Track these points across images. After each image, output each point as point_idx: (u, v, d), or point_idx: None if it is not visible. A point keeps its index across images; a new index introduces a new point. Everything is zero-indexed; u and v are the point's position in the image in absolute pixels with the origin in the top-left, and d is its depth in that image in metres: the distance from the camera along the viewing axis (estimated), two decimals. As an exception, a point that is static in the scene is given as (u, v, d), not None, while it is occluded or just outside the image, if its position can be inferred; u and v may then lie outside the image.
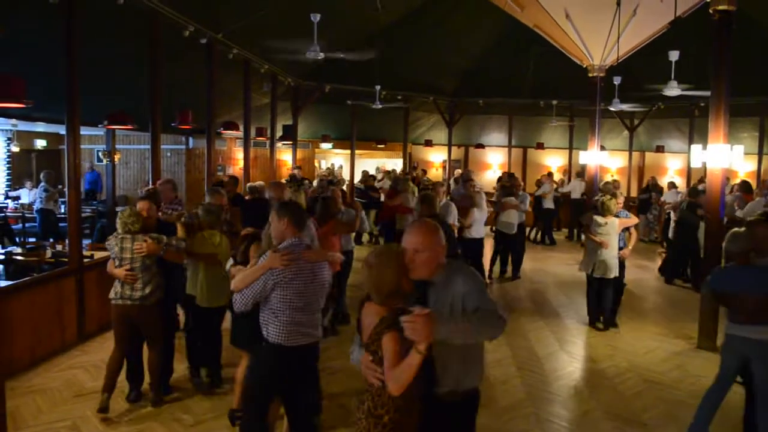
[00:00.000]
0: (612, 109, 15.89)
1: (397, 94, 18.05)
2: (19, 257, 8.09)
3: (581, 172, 18.18)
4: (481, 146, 21.57)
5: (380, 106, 16.33)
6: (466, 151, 22.53)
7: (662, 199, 14.86)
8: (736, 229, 5.33)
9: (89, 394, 5.67)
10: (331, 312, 7.64)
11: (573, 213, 17.02)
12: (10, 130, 16.04)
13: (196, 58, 10.53)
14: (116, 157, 16.02)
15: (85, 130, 9.16)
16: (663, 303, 10.20)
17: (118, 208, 13.35)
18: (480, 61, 17.32)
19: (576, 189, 16.97)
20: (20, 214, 13.36)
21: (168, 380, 5.95)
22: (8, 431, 4.68)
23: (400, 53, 15.43)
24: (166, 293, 5.67)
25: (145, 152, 16.49)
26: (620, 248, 8.39)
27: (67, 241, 7.69)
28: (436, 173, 22.36)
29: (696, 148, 8.55)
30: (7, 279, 6.91)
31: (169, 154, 16.89)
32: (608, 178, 17.85)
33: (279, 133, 15.75)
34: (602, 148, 14.73)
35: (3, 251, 7.87)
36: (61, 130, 8.41)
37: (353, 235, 8.82)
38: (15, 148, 16.67)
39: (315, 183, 12.33)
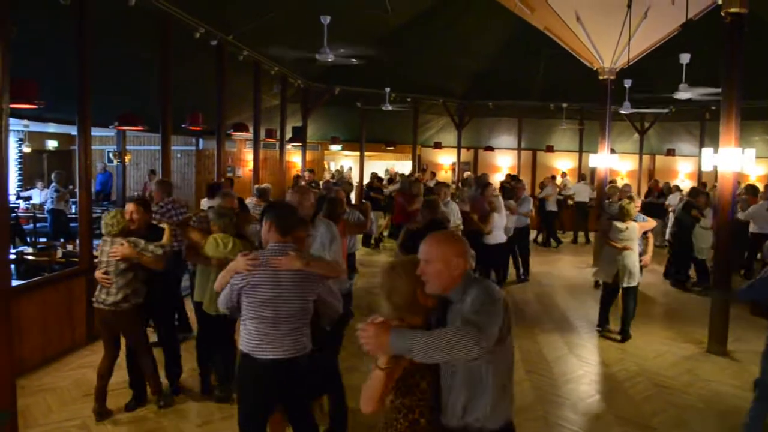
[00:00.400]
0: (622, 111, 15.84)
1: (406, 97, 18.08)
2: (30, 257, 8.14)
3: (585, 175, 18.13)
4: (491, 149, 21.55)
5: (390, 109, 16.36)
6: (475, 153, 22.51)
7: (666, 202, 14.83)
8: None
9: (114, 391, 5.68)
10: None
11: (578, 216, 16.94)
12: (22, 131, 16.14)
13: (207, 60, 10.58)
14: (127, 158, 16.12)
15: (96, 131, 9.19)
16: (672, 307, 10.14)
17: (167, 205, 13.46)
18: (490, 64, 17.30)
19: (581, 192, 16.90)
20: (31, 214, 13.44)
21: (177, 381, 5.95)
22: (19, 429, 4.72)
23: (410, 55, 15.43)
24: (168, 297, 5.64)
25: (155, 153, 16.56)
26: (639, 254, 8.12)
27: (77, 242, 7.73)
28: (445, 175, 22.34)
29: (707, 151, 8.50)
30: (18, 279, 6.95)
31: (179, 155, 16.96)
32: (619, 181, 17.85)
33: (288, 134, 15.79)
34: (612, 151, 14.68)
35: (14, 251, 7.91)
36: (73, 130, 8.45)
37: (360, 236, 8.81)
38: (27, 149, 16.79)
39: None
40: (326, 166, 21.17)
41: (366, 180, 18.44)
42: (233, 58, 11.17)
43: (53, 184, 12.78)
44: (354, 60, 12.08)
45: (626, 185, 12.70)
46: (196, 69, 11.13)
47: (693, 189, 11.96)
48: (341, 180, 15.38)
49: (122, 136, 15.14)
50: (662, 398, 6.19)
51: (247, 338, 3.77)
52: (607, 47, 12.16)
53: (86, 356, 6.89)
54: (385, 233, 15.44)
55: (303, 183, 13.32)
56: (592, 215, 15.66)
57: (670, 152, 20.72)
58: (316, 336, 4.08)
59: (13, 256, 8.59)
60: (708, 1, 9.86)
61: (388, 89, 16.21)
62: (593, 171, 16.35)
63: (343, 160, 23.07)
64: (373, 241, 14.76)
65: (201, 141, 17.18)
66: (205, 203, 8.47)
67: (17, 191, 15.87)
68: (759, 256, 10.87)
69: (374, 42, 13.61)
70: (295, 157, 18.41)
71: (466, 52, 16.55)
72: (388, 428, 2.68)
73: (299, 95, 16.30)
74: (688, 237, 10.94)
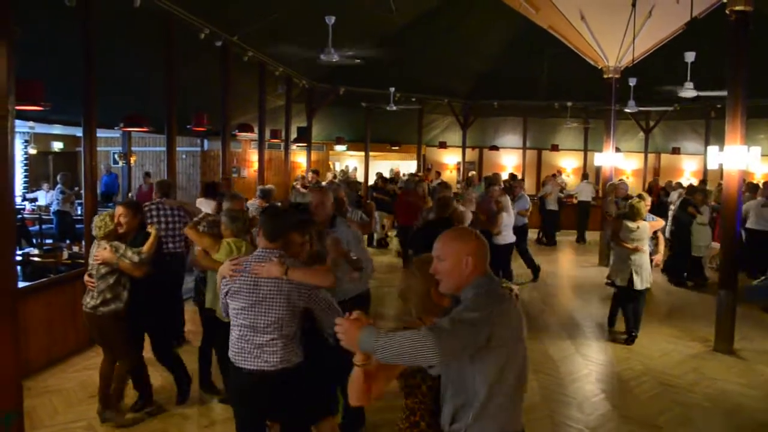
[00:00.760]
0: (627, 110, 15.80)
1: (411, 96, 18.08)
2: (36, 258, 8.16)
3: (588, 174, 18.09)
4: (496, 148, 21.53)
5: (394, 108, 16.36)
6: (480, 153, 22.49)
7: (669, 199, 14.83)
8: None
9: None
10: None
11: (580, 215, 16.88)
12: (28, 133, 16.20)
13: (211, 61, 10.60)
14: (132, 159, 16.15)
15: (101, 133, 9.25)
16: (677, 305, 10.11)
17: (152, 207, 13.48)
18: (494, 63, 17.28)
19: (584, 191, 16.84)
20: (37, 215, 13.48)
21: (187, 389, 5.80)
22: (25, 431, 4.73)
23: (414, 55, 15.42)
24: (162, 307, 5.47)
25: (160, 154, 16.61)
26: (649, 254, 7.96)
27: (83, 243, 7.75)
28: (450, 175, 22.33)
29: (713, 149, 8.47)
30: (24, 280, 6.95)
31: (184, 156, 17.00)
32: (625, 180, 17.77)
33: (293, 135, 15.81)
34: (617, 150, 14.65)
35: (20, 252, 7.93)
36: (78, 132, 8.48)
37: (365, 237, 8.77)
38: (32, 151, 16.85)
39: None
40: (331, 166, 21.16)
41: (371, 179, 18.44)
42: (238, 59, 11.19)
43: (59, 186, 12.82)
44: (358, 60, 12.08)
45: (621, 182, 12.60)
46: (201, 70, 11.15)
47: (690, 186, 12.00)
48: (346, 180, 15.38)
49: (127, 137, 15.18)
50: (668, 397, 6.17)
51: (231, 345, 3.71)
52: (612, 46, 12.15)
53: (92, 358, 6.90)
54: (391, 234, 15.43)
55: (299, 185, 13.39)
56: (594, 214, 15.65)
57: (676, 151, 20.67)
58: (315, 351, 3.82)
59: (19, 258, 8.63)
60: (713, -1, 9.85)
61: (392, 89, 16.20)
62: (598, 170, 16.30)
63: (348, 160, 23.06)
64: (375, 243, 14.76)
65: (206, 142, 17.22)
66: (200, 203, 8.36)
67: (23, 193, 15.92)
68: None
69: (379, 42, 13.61)
70: (300, 158, 18.43)
71: (470, 51, 16.53)
72: (396, 427, 2.70)
73: (304, 95, 16.31)
74: (687, 235, 10.95)
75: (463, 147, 21.16)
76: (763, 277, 9.69)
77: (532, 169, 21.71)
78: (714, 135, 18.02)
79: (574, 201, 17.53)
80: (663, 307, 9.97)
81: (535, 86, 18.33)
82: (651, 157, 21.52)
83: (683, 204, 11.28)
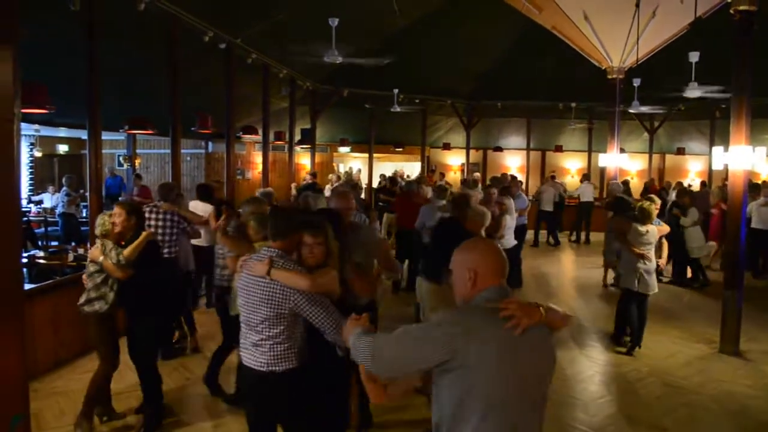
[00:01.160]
0: (632, 111, 15.81)
1: (414, 98, 18.10)
2: (41, 261, 8.18)
3: (589, 175, 18.04)
4: (500, 149, 21.52)
5: (398, 110, 16.38)
6: (484, 154, 22.48)
7: (668, 200, 14.82)
8: None
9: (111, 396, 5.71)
10: None
11: (580, 216, 16.83)
12: (33, 135, 16.25)
13: (216, 63, 10.62)
14: (137, 162, 16.19)
15: (106, 135, 9.23)
16: (683, 306, 10.09)
17: (146, 210, 13.48)
18: (498, 64, 17.27)
19: (585, 192, 16.80)
20: (43, 218, 13.52)
21: (155, 414, 5.37)
22: (31, 432, 4.75)
23: (418, 56, 15.44)
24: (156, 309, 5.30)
25: (165, 156, 16.63)
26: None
27: (88, 245, 7.76)
28: (454, 176, 22.31)
29: (717, 149, 8.45)
30: (30, 282, 6.96)
31: (188, 158, 17.04)
32: (629, 179, 17.73)
33: (297, 137, 15.83)
34: (622, 150, 14.63)
35: (26, 255, 7.94)
36: (83, 135, 8.49)
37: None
38: (38, 153, 16.91)
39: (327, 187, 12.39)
40: (335, 168, 21.17)
41: (375, 180, 18.43)
42: (242, 61, 11.21)
43: (64, 188, 12.84)
44: (360, 61, 12.10)
45: (613, 182, 12.56)
46: (205, 72, 11.17)
47: (680, 190, 12.00)
48: (348, 182, 15.34)
49: (132, 139, 15.23)
50: (674, 398, 6.16)
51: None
52: (616, 46, 12.14)
53: (97, 360, 6.91)
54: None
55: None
56: (596, 215, 15.60)
57: (680, 151, 20.63)
58: (319, 361, 3.68)
59: (24, 260, 8.65)
60: (717, -2, 9.83)
61: (396, 91, 16.22)
62: (603, 170, 16.28)
63: (352, 162, 23.06)
64: None
65: (210, 144, 17.26)
66: (194, 206, 8.21)
67: (28, 195, 15.98)
68: None
69: (382, 43, 13.63)
70: (304, 160, 18.45)
71: (474, 52, 16.53)
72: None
73: (308, 97, 16.33)
74: (679, 237, 10.89)
75: (467, 148, 21.17)
76: None
77: (536, 170, 21.68)
78: (719, 135, 18.00)
79: (575, 202, 17.51)
80: (668, 308, 9.94)
81: (539, 87, 18.32)
82: (655, 157, 21.48)
83: (671, 207, 11.32)
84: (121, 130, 11.13)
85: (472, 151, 21.49)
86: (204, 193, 8.48)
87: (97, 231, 5.20)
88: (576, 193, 17.42)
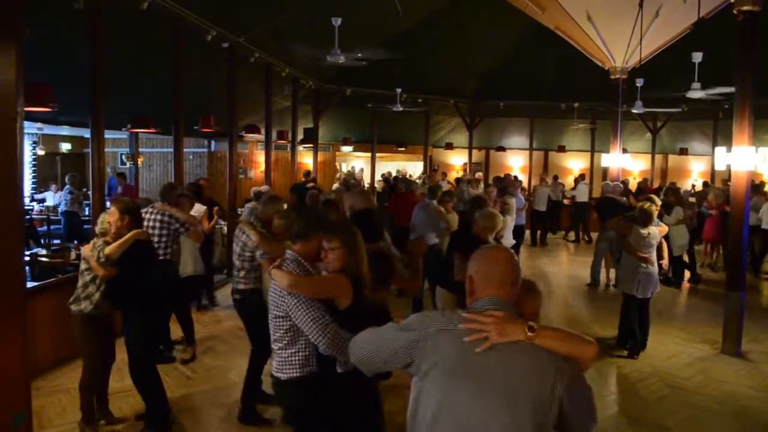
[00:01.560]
0: (634, 111, 15.76)
1: (417, 97, 18.11)
2: (44, 259, 8.19)
3: (584, 175, 18.05)
4: (502, 149, 21.51)
5: (401, 109, 16.37)
6: (486, 154, 22.47)
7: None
8: None
9: (112, 395, 5.71)
10: None
11: (576, 216, 16.85)
12: (36, 134, 16.28)
13: (219, 63, 10.63)
14: (139, 161, 16.20)
15: (109, 134, 9.26)
16: (684, 307, 10.09)
17: (142, 211, 13.48)
18: (501, 64, 17.29)
19: (581, 192, 16.83)
20: (45, 216, 13.54)
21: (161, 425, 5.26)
22: (34, 430, 4.75)
23: (421, 56, 15.45)
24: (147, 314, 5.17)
25: (167, 155, 16.65)
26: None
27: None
28: (457, 176, 22.31)
29: (720, 150, 8.43)
30: (32, 280, 6.97)
31: (191, 157, 17.05)
32: (631, 181, 17.73)
33: (300, 136, 15.84)
34: (625, 150, 14.61)
35: (28, 253, 7.95)
36: (86, 133, 8.53)
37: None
38: (40, 152, 16.93)
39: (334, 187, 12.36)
40: (338, 167, 21.19)
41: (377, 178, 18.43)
42: (245, 60, 11.22)
43: (67, 187, 12.86)
44: (364, 62, 12.09)
45: (605, 182, 12.52)
46: (208, 71, 11.18)
47: (667, 188, 12.02)
48: (346, 182, 15.24)
49: (135, 138, 15.24)
50: (676, 399, 6.15)
51: None
52: (619, 46, 12.13)
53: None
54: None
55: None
56: (593, 214, 15.57)
57: (683, 151, 20.61)
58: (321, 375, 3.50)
59: (27, 258, 8.66)
60: (720, -1, 9.81)
61: (399, 90, 16.22)
62: (605, 171, 16.26)
63: (354, 161, 23.10)
64: None
65: (213, 143, 17.28)
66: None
67: (31, 193, 16.00)
68: None
69: (385, 43, 13.63)
70: (306, 159, 18.46)
71: (476, 52, 16.55)
72: None
73: (310, 97, 16.33)
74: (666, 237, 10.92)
75: (470, 148, 21.16)
76: None
77: (538, 170, 21.62)
78: (722, 136, 17.99)
79: (566, 202, 17.55)
80: (670, 309, 9.93)
81: (542, 87, 18.35)
82: (658, 158, 21.47)
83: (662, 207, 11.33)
84: (124, 129, 11.15)
85: (474, 151, 21.48)
86: (193, 192, 8.15)
87: (97, 229, 5.22)
88: (572, 194, 17.47)
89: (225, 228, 10.63)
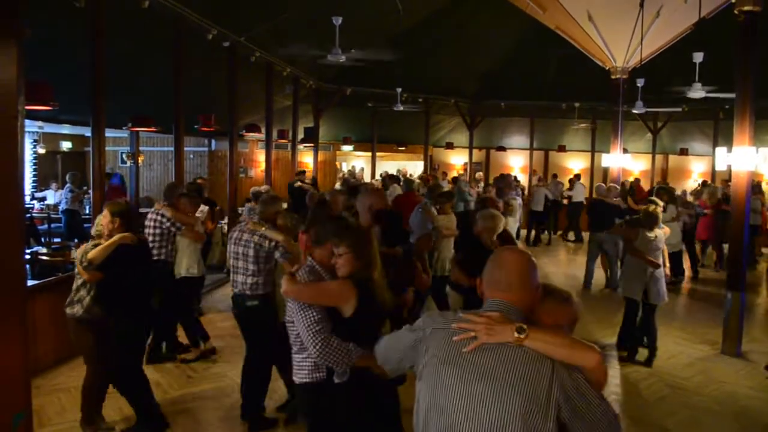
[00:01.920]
0: (635, 111, 15.76)
1: (418, 97, 18.12)
2: (44, 257, 8.19)
3: (580, 175, 18.08)
4: (503, 149, 21.51)
5: (401, 109, 16.38)
6: (487, 153, 22.47)
7: None
8: None
9: (111, 393, 5.71)
10: None
11: (573, 216, 16.88)
12: (37, 132, 16.27)
13: (219, 62, 10.63)
14: (140, 159, 16.20)
15: (109, 132, 9.25)
16: (684, 307, 10.09)
17: (142, 210, 13.50)
18: (501, 64, 17.28)
19: (578, 192, 16.88)
20: (46, 214, 13.54)
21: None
22: (34, 429, 4.74)
23: (421, 56, 15.45)
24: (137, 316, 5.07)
25: (168, 154, 16.66)
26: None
27: (91, 242, 7.75)
28: (454, 176, 22.32)
29: (721, 150, 8.43)
30: (32, 279, 6.97)
31: (191, 156, 17.05)
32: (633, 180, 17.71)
33: (300, 135, 15.84)
34: (625, 150, 14.60)
35: (29, 251, 7.95)
36: (87, 132, 8.53)
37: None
38: (41, 150, 16.92)
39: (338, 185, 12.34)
40: (338, 166, 21.19)
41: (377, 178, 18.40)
42: (245, 60, 11.22)
43: (68, 185, 12.87)
44: (362, 56, 12.09)
45: (600, 185, 12.50)
46: (209, 70, 11.18)
47: (659, 188, 12.08)
48: (346, 181, 15.19)
49: (135, 137, 15.24)
50: (676, 399, 6.15)
51: None
52: (620, 46, 12.11)
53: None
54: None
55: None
56: (583, 215, 15.61)
57: (684, 152, 20.60)
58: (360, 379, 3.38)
59: (27, 257, 8.66)
60: (721, -1, 9.80)
61: (399, 89, 16.21)
62: (606, 171, 16.27)
63: (354, 161, 23.11)
64: None
65: (213, 142, 17.29)
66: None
67: (32, 192, 16.00)
68: None
69: (386, 42, 13.63)
70: (307, 158, 18.46)
71: (477, 52, 16.54)
72: None
73: (311, 96, 16.34)
74: None
75: (470, 148, 21.14)
76: None
77: (539, 170, 21.67)
78: (722, 136, 17.96)
79: (564, 202, 17.57)
80: (670, 309, 9.92)
81: (542, 87, 18.32)
82: (659, 158, 21.46)
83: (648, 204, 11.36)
84: (124, 128, 11.16)
85: (475, 151, 21.47)
86: (195, 192, 7.93)
87: (93, 231, 5.16)
88: (569, 194, 17.51)
89: (225, 227, 10.60)
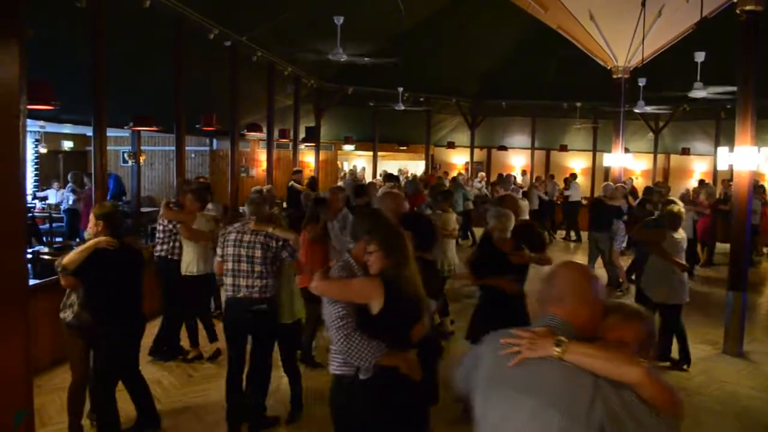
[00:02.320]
0: (636, 110, 15.74)
1: (419, 96, 18.10)
2: (46, 257, 8.21)
3: (576, 174, 18.09)
4: (504, 148, 21.50)
5: (403, 108, 16.38)
6: (488, 153, 22.47)
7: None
8: None
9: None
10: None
11: (570, 215, 16.93)
12: (38, 132, 16.28)
13: (221, 61, 10.64)
14: (141, 159, 16.21)
15: (111, 132, 9.25)
16: (684, 307, 10.04)
17: (144, 209, 13.52)
18: (503, 63, 17.27)
19: (575, 191, 16.87)
20: (47, 214, 13.56)
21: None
22: (35, 428, 4.74)
23: (423, 55, 15.44)
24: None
25: (169, 153, 16.65)
26: None
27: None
28: (453, 175, 22.31)
29: (723, 150, 8.42)
30: (34, 278, 6.98)
31: (193, 155, 17.04)
32: (633, 180, 17.71)
33: (302, 134, 15.84)
34: (627, 150, 14.59)
35: (30, 251, 7.96)
36: (88, 131, 8.52)
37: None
38: (43, 150, 16.92)
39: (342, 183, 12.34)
40: (340, 165, 21.19)
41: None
42: (247, 59, 11.23)
43: (70, 185, 12.87)
44: (365, 58, 12.08)
45: (607, 184, 12.47)
46: (210, 70, 11.19)
47: (647, 188, 12.09)
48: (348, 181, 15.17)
49: (137, 136, 15.25)
50: (677, 399, 6.13)
51: None
52: (621, 46, 12.12)
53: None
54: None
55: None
56: (583, 214, 15.59)
57: (685, 151, 20.58)
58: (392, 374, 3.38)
59: (29, 256, 8.66)
60: (723, -2, 9.80)
61: (401, 89, 16.21)
62: (608, 170, 16.27)
63: (356, 160, 23.11)
64: None
65: (215, 141, 17.27)
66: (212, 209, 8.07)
67: (33, 191, 16.00)
68: None
69: (387, 42, 13.62)
70: (308, 157, 18.46)
71: (479, 51, 16.53)
72: None
73: (312, 95, 16.34)
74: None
75: (472, 147, 21.14)
76: None
77: (540, 170, 21.67)
78: (724, 135, 17.93)
79: (558, 201, 17.60)
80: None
81: (544, 86, 18.30)
82: (660, 157, 21.43)
83: (641, 203, 11.32)
84: (126, 127, 11.15)
85: (476, 150, 21.47)
86: (205, 190, 7.63)
87: (85, 235, 5.10)
88: (568, 193, 17.51)
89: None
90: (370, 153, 19.87)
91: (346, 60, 10.81)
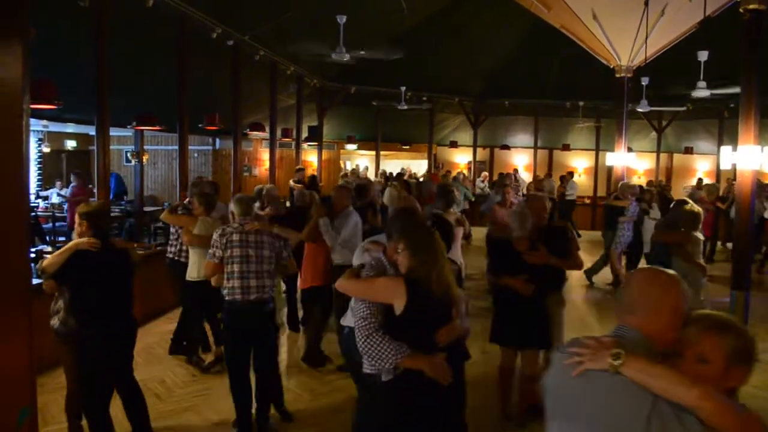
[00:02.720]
0: (639, 110, 15.73)
1: (422, 96, 18.08)
2: (48, 256, 8.22)
3: (573, 173, 18.10)
4: (507, 147, 21.47)
5: (405, 108, 16.38)
6: (491, 152, 22.45)
7: None
8: None
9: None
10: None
11: (564, 213, 16.89)
12: (41, 131, 16.31)
13: (223, 60, 10.64)
14: (144, 158, 16.23)
15: (113, 131, 9.26)
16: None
17: (146, 209, 13.54)
18: (505, 62, 17.24)
19: (572, 190, 16.85)
20: (50, 213, 13.59)
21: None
22: (39, 426, 4.73)
23: (426, 54, 15.43)
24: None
25: (172, 153, 16.70)
26: None
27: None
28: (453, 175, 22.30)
29: (726, 149, 8.41)
30: (37, 277, 7.00)
31: (196, 154, 17.08)
32: (635, 180, 17.67)
33: (304, 134, 15.85)
34: (629, 149, 14.57)
35: (33, 250, 7.98)
36: (91, 131, 8.53)
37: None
38: (46, 149, 16.96)
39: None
40: (342, 165, 21.18)
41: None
42: (250, 58, 11.23)
43: (73, 184, 12.90)
44: (363, 53, 12.08)
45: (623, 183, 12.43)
46: (213, 69, 11.20)
47: (639, 187, 12.10)
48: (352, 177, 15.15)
49: (140, 136, 15.27)
50: (680, 398, 6.10)
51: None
52: (624, 45, 12.09)
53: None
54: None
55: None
56: (583, 212, 15.56)
57: (688, 150, 20.55)
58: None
59: (32, 255, 8.67)
60: (726, -3, 9.78)
61: (403, 88, 16.21)
62: (610, 169, 16.25)
63: (359, 160, 23.11)
64: None
65: (218, 140, 17.31)
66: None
67: (37, 191, 16.04)
68: None
69: (390, 41, 13.62)
70: (311, 157, 18.47)
71: (481, 50, 16.51)
72: None
73: (315, 95, 16.35)
74: (639, 232, 10.82)
75: (474, 146, 21.13)
76: None
77: (543, 169, 21.62)
78: (727, 135, 17.92)
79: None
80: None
81: (547, 85, 18.28)
82: (663, 157, 21.39)
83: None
84: (128, 126, 11.17)
85: (479, 149, 21.46)
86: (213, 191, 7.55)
87: (74, 235, 4.89)
88: (570, 192, 17.50)
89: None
90: (373, 152, 19.88)
91: (349, 59, 10.81)
